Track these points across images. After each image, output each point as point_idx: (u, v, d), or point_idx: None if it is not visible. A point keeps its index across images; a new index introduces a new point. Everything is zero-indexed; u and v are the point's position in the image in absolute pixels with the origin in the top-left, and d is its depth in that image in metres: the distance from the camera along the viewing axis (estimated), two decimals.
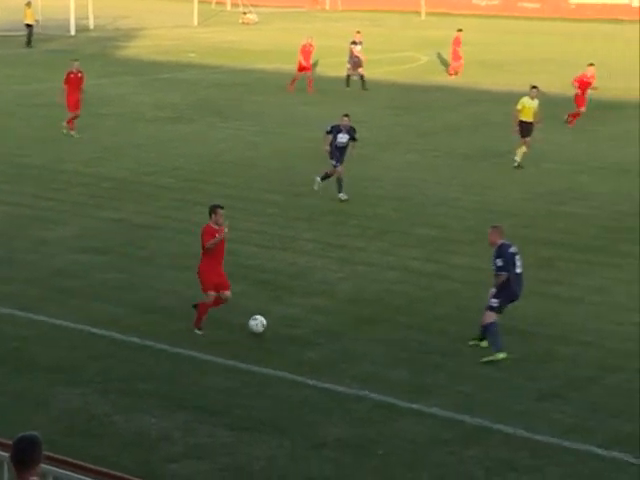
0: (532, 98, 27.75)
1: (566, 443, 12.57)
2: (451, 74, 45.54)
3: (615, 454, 12.32)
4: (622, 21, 69.63)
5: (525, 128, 27.57)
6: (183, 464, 11.92)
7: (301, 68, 40.86)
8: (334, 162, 23.96)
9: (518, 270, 14.83)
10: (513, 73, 46.03)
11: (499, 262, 14.76)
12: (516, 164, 27.52)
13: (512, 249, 14.88)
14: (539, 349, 15.54)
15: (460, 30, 45.81)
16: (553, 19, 71.54)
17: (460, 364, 14.87)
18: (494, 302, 14.81)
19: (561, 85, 38.87)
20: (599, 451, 12.39)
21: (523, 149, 27.66)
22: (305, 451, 12.30)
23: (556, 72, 45.27)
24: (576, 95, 33.41)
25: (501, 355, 14.76)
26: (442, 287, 18.12)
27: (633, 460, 12.20)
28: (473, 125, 34.26)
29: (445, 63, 48.49)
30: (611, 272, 19.13)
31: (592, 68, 33.80)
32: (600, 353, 15.50)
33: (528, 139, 27.60)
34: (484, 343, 15.19)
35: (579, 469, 12.02)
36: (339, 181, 23.86)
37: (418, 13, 74.88)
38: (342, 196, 23.77)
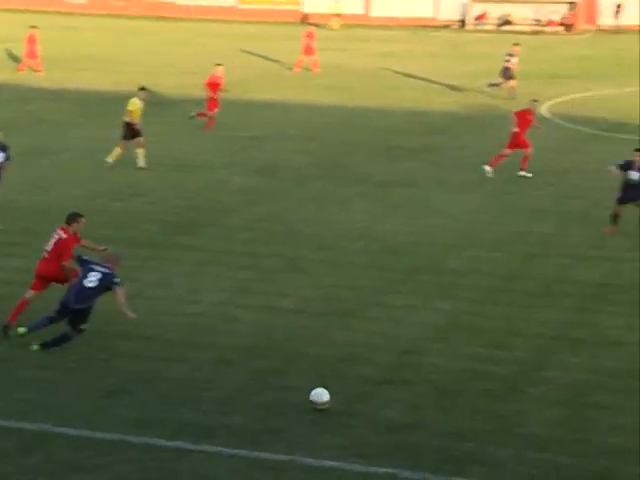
0: (141, 99, 27.65)
1: (133, 438, 12.72)
2: (21, 69, 44.63)
3: (179, 443, 12.65)
4: (166, 18, 71.08)
5: (135, 129, 27.32)
6: None
7: None
8: None
9: (87, 283, 15.17)
10: (63, 70, 45.53)
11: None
12: (109, 164, 27.26)
13: (95, 266, 15.37)
14: (105, 348, 15.57)
15: (34, 27, 44.95)
16: (101, 16, 71.43)
17: (20, 370, 14.54)
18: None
19: (107, 82, 39.17)
20: (164, 442, 12.66)
21: (130, 150, 27.52)
22: None
23: (104, 69, 45.52)
24: (210, 98, 32.49)
25: (22, 330, 15.24)
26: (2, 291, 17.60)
27: (193, 447, 12.58)
28: (27, 123, 33.51)
29: None
30: (171, 266, 19.57)
31: (221, 68, 33.23)
32: (163, 346, 15.82)
33: (141, 139, 27.42)
34: (36, 347, 15.15)
35: (146, 462, 12.20)
36: None
37: None
38: None
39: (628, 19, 65.67)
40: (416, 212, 23.94)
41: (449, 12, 69.18)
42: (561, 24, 67.31)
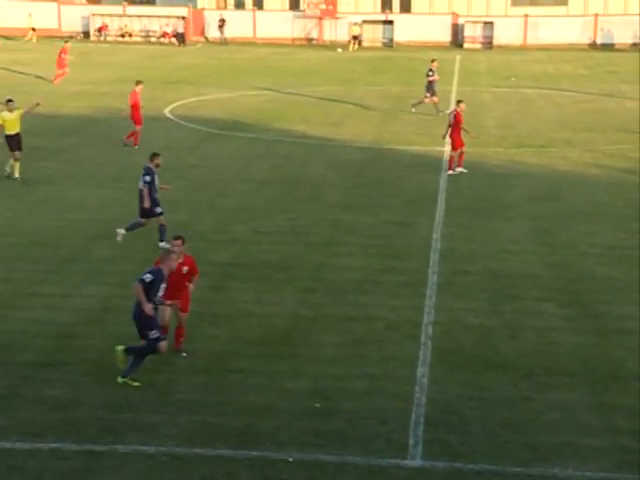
0: (10, 111, 27.20)
1: None
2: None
3: None
4: None
5: (14, 141, 27.05)
6: None
7: None
8: None
9: None
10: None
11: None
12: (9, 175, 27.21)
13: None
14: None
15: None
16: None
17: None
18: None
19: None
20: None
21: (17, 163, 27.24)
22: None
23: None
24: None
25: None
26: None
27: None
28: None
29: None
30: None
31: None
32: None
33: (17, 153, 27.18)
34: None
35: None
36: None
37: None
38: None
39: (230, 32, 72.85)
40: (60, 208, 24.92)
41: (72, 24, 74.34)
42: (174, 36, 73.15)
